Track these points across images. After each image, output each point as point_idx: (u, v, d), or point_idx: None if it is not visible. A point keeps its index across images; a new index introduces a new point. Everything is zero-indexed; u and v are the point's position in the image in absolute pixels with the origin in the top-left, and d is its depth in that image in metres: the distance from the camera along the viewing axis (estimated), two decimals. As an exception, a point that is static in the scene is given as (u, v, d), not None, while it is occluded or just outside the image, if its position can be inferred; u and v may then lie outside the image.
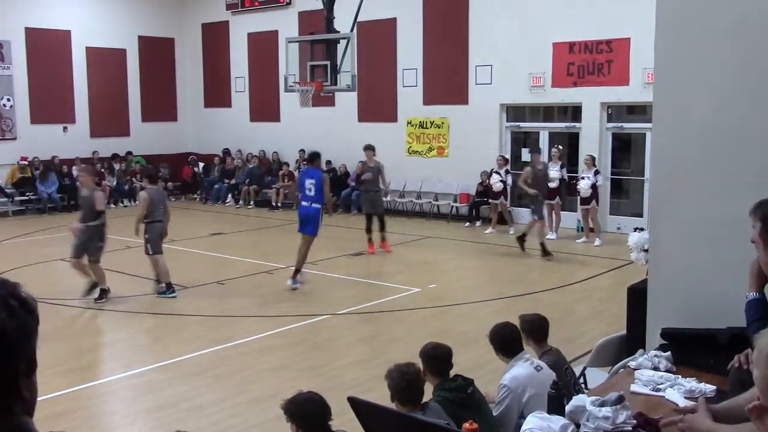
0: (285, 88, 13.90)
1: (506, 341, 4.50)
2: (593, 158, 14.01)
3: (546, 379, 3.90)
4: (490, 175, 15.13)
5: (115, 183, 19.33)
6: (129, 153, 20.22)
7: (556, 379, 3.60)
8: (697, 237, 4.35)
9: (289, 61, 13.71)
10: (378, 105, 17.72)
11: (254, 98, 20.48)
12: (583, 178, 13.71)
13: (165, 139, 21.27)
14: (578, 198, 13.97)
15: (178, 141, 21.69)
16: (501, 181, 14.81)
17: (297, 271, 10.36)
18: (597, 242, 13.56)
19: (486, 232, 15.04)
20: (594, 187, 13.65)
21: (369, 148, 13.26)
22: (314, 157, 10.81)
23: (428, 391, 4.12)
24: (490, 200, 15.28)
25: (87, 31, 19.55)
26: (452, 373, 4.25)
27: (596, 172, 13.81)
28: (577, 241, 13.76)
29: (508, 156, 15.63)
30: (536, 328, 4.75)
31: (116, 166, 19.64)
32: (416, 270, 11.86)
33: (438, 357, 4.16)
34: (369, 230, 12.86)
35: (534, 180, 12.77)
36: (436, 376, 4.13)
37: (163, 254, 9.94)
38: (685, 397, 3.45)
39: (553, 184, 13.95)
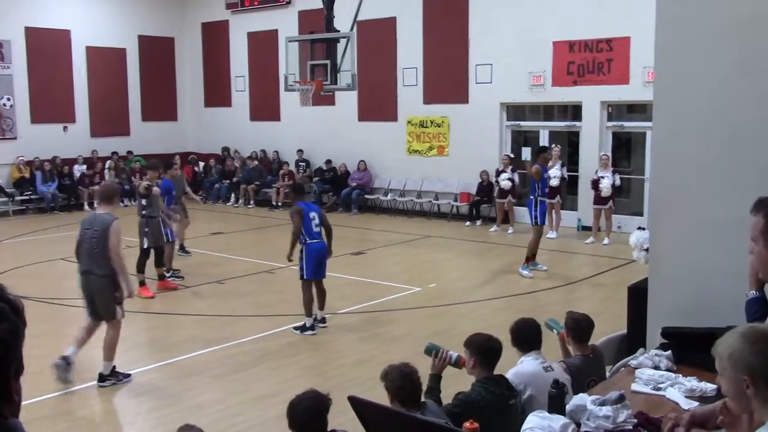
0: (285, 88, 13.88)
1: (520, 336, 4.50)
2: (609, 158, 14.00)
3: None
4: (498, 174, 15.09)
5: (116, 182, 19.32)
6: (129, 152, 20.22)
7: (556, 378, 3.60)
8: (697, 236, 4.35)
9: (289, 61, 13.69)
10: (378, 104, 17.71)
11: (254, 97, 20.47)
12: (603, 177, 13.62)
13: (165, 139, 21.23)
14: (594, 197, 13.84)
15: (178, 140, 21.66)
16: (509, 179, 14.78)
17: (527, 258, 11.09)
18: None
19: (491, 230, 15.05)
20: (614, 186, 13.62)
21: (152, 167, 10.78)
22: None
23: (453, 379, 4.13)
24: (496, 199, 15.25)
25: (87, 31, 19.55)
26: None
27: (614, 172, 13.78)
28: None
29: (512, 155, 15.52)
30: (575, 327, 4.78)
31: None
32: (417, 269, 11.85)
33: (493, 350, 4.14)
34: (158, 266, 10.34)
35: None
36: (485, 369, 4.12)
37: None
38: (686, 396, 3.45)
39: (553, 183, 13.94)
